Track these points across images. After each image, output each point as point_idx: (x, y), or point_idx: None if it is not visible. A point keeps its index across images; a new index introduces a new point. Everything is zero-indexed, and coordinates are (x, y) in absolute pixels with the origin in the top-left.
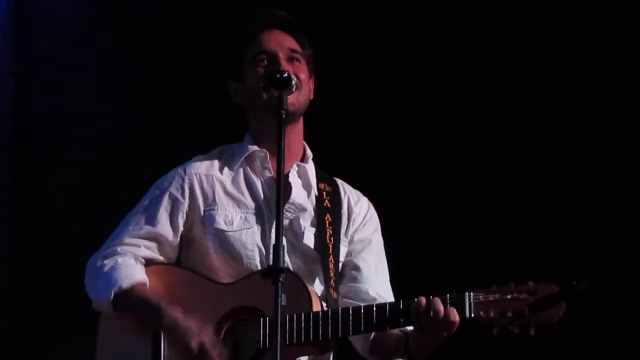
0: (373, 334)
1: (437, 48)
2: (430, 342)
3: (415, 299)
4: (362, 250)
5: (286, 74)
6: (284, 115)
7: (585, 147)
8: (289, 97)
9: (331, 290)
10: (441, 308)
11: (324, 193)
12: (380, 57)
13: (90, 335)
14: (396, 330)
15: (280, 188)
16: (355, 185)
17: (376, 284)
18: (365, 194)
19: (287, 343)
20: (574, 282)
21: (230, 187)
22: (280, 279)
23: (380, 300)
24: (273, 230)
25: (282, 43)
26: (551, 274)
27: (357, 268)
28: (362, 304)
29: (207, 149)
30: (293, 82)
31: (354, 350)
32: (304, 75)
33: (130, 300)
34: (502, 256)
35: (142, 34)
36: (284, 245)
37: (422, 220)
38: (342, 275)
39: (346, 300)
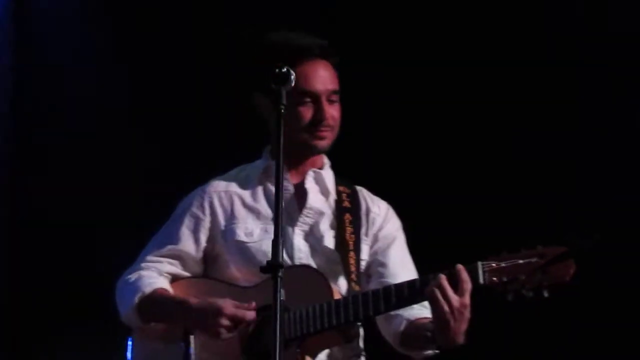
0: (403, 326)
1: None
2: (450, 320)
3: (432, 275)
4: (386, 247)
5: (285, 69)
6: (283, 110)
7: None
8: (325, 141)
9: (353, 284)
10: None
11: (343, 195)
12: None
13: (90, 335)
14: (424, 320)
15: (280, 187)
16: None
17: (403, 276)
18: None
19: (312, 331)
20: (581, 240)
21: (249, 201)
22: (280, 274)
23: None
24: (294, 237)
25: (325, 84)
26: (558, 234)
27: (383, 265)
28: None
29: (211, 148)
30: (292, 77)
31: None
32: (339, 114)
33: (153, 304)
34: (507, 224)
35: (142, 31)
36: (293, 243)
37: (421, 195)
38: (369, 275)
39: None
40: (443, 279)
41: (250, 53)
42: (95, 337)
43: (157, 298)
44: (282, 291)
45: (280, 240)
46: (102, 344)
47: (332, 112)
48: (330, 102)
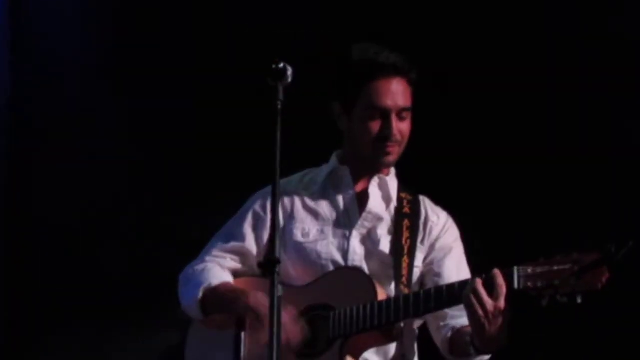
0: (450, 334)
1: None
2: (485, 324)
3: (471, 279)
4: (443, 257)
5: (282, 65)
6: (279, 107)
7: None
8: (391, 156)
9: (402, 287)
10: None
11: (405, 201)
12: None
13: (89, 334)
14: (468, 328)
15: (276, 184)
16: None
17: None
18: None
19: (354, 331)
20: (614, 248)
21: (310, 203)
22: (277, 270)
23: None
24: (351, 240)
25: (396, 100)
26: (593, 241)
27: (438, 275)
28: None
29: (211, 149)
30: (289, 72)
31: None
32: (408, 129)
33: (217, 295)
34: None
35: (142, 31)
36: (349, 245)
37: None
38: (424, 284)
39: None
40: (478, 283)
41: (331, 66)
42: (95, 337)
43: (221, 289)
44: (280, 287)
45: (278, 235)
46: (102, 344)
47: (401, 127)
48: (401, 118)
